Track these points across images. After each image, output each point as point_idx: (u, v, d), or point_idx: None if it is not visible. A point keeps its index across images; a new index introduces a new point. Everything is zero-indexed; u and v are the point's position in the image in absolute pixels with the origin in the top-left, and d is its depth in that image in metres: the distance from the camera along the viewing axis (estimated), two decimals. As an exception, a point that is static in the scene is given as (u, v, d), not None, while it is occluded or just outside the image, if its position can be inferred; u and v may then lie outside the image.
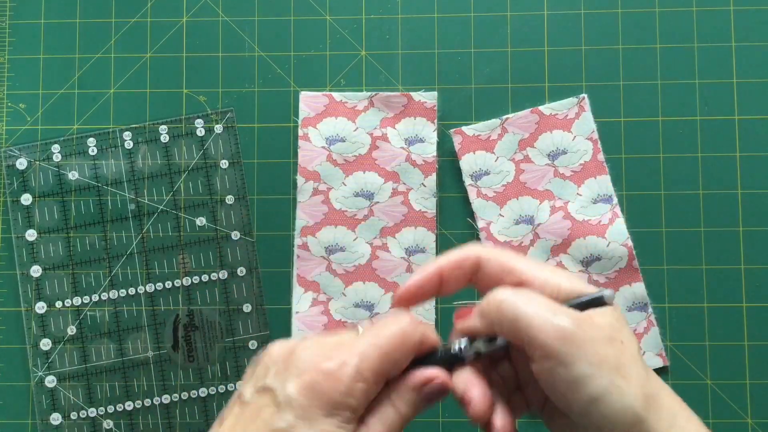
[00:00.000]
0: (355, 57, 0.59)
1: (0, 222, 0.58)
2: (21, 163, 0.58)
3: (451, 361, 0.33)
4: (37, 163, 0.58)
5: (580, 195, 0.57)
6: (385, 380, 0.32)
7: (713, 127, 0.58)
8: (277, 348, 0.33)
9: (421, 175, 0.57)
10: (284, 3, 0.60)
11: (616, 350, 0.30)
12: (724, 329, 0.56)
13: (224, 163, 0.58)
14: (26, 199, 0.58)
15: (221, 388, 0.56)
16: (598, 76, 0.58)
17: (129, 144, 0.58)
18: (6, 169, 0.58)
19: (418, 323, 0.33)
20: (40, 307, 0.57)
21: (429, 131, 0.57)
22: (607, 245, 0.56)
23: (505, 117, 0.58)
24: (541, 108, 0.58)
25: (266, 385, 0.32)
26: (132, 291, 0.57)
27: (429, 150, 0.57)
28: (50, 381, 0.56)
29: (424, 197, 0.57)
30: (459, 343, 0.33)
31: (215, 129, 0.59)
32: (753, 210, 0.57)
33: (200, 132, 0.59)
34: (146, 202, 0.58)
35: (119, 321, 0.57)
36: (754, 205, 0.57)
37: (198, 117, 0.59)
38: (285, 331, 0.57)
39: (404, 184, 0.57)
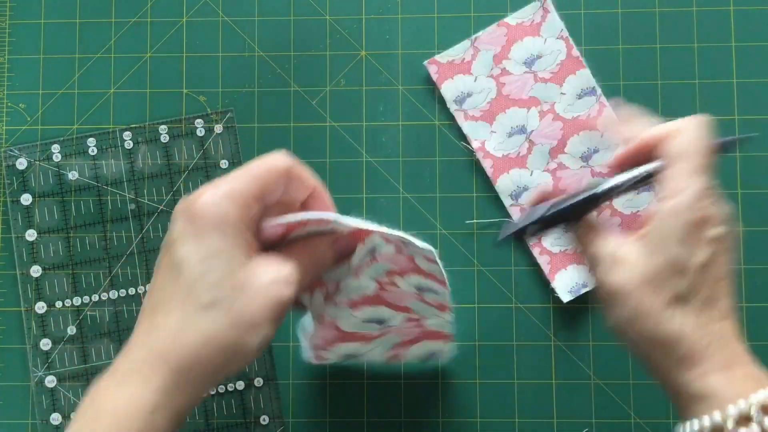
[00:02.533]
0: (355, 57, 0.59)
1: (0, 222, 0.58)
2: (21, 163, 0.58)
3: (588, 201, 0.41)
4: (37, 163, 0.58)
5: (564, 94, 0.57)
6: (258, 199, 0.37)
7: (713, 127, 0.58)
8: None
9: (435, 311, 0.50)
10: (284, 3, 0.60)
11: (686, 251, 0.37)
12: (724, 329, 0.56)
13: (224, 163, 0.58)
14: (26, 199, 0.58)
15: (221, 388, 0.56)
16: (598, 76, 0.58)
17: (129, 144, 0.58)
18: (6, 169, 0.58)
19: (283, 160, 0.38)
20: (40, 307, 0.57)
21: (436, 286, 0.47)
22: (602, 135, 0.57)
23: (474, 36, 0.58)
24: (506, 20, 0.58)
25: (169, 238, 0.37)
26: (132, 291, 0.57)
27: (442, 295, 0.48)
28: (50, 381, 0.56)
29: (442, 320, 0.51)
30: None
31: (215, 129, 0.59)
32: (753, 210, 0.57)
33: (200, 132, 0.59)
34: (146, 202, 0.58)
35: (119, 321, 0.57)
36: (754, 205, 0.57)
37: (198, 117, 0.59)
38: (285, 331, 0.57)
39: (418, 314, 0.50)
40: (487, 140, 0.58)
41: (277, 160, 0.38)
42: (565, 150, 0.57)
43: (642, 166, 0.40)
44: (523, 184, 0.57)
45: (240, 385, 0.56)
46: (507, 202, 0.57)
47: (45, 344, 0.57)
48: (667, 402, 0.55)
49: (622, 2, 0.59)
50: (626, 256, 0.38)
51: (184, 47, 0.60)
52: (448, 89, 0.58)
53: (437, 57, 0.58)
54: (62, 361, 0.57)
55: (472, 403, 0.56)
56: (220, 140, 0.59)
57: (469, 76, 0.58)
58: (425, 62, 0.58)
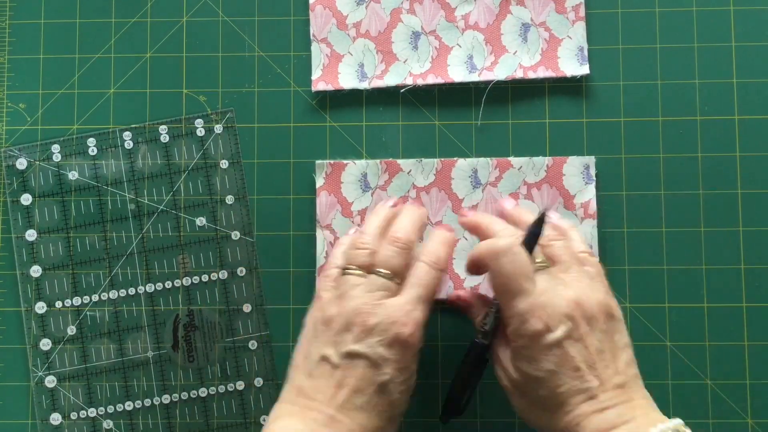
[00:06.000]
0: (355, 57, 0.59)
1: (0, 222, 0.58)
2: (21, 163, 0.58)
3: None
4: (37, 163, 0.58)
5: None
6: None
7: (713, 127, 0.58)
8: (331, 309, 0.45)
9: None
10: (284, 3, 0.60)
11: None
12: (724, 329, 0.56)
13: (224, 163, 0.58)
14: (26, 199, 0.58)
15: (221, 388, 0.56)
16: (598, 76, 0.58)
17: (129, 144, 0.58)
18: (6, 169, 0.58)
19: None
20: (40, 307, 0.57)
21: None
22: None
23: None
24: None
25: (354, 351, 0.42)
26: (132, 291, 0.57)
27: None
28: (50, 381, 0.56)
29: None
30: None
31: (215, 129, 0.59)
32: (753, 210, 0.57)
33: (200, 132, 0.59)
34: (146, 202, 0.58)
35: (119, 321, 0.57)
36: (754, 205, 0.57)
37: (198, 117, 0.59)
38: (284, 331, 0.57)
39: None
40: None
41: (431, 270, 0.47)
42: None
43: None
44: None
45: (240, 385, 0.56)
46: None
47: (45, 344, 0.57)
48: (667, 401, 0.55)
49: (622, 2, 0.59)
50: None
51: (184, 47, 0.60)
52: None
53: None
54: (62, 361, 0.57)
55: (473, 403, 0.56)
56: (220, 140, 0.58)
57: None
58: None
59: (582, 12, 0.58)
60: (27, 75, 0.60)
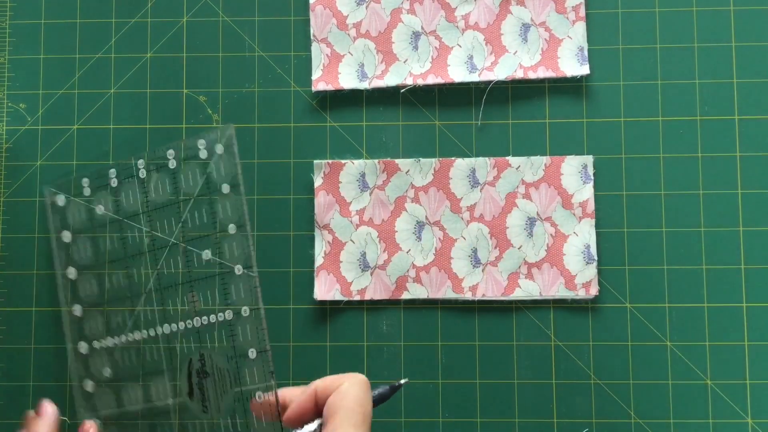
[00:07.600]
0: (355, 57, 0.59)
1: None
2: (60, 200, 0.56)
3: None
4: (72, 198, 0.56)
5: None
6: None
7: (713, 127, 0.58)
8: None
9: None
10: (284, 3, 0.60)
11: None
12: (724, 329, 0.56)
13: (225, 188, 0.54)
14: (66, 236, 0.56)
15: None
16: (599, 76, 0.58)
17: (143, 173, 0.55)
18: (51, 207, 0.56)
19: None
20: (83, 347, 0.55)
21: None
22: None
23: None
24: None
25: None
26: (152, 332, 0.54)
27: None
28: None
29: None
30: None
31: (216, 149, 0.55)
32: (753, 210, 0.57)
33: (203, 154, 0.55)
34: (159, 235, 0.55)
35: (144, 364, 0.54)
36: (754, 205, 0.57)
37: (200, 138, 0.55)
38: (284, 331, 0.57)
39: None
40: None
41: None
42: None
43: (312, 423, 0.42)
44: None
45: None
46: None
47: (89, 386, 0.54)
48: (667, 402, 0.56)
49: (622, 2, 0.59)
50: None
51: (184, 47, 0.60)
52: None
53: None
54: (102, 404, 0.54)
55: (472, 403, 0.56)
56: (222, 162, 0.55)
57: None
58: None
59: (582, 12, 0.58)
60: (27, 75, 0.60)
